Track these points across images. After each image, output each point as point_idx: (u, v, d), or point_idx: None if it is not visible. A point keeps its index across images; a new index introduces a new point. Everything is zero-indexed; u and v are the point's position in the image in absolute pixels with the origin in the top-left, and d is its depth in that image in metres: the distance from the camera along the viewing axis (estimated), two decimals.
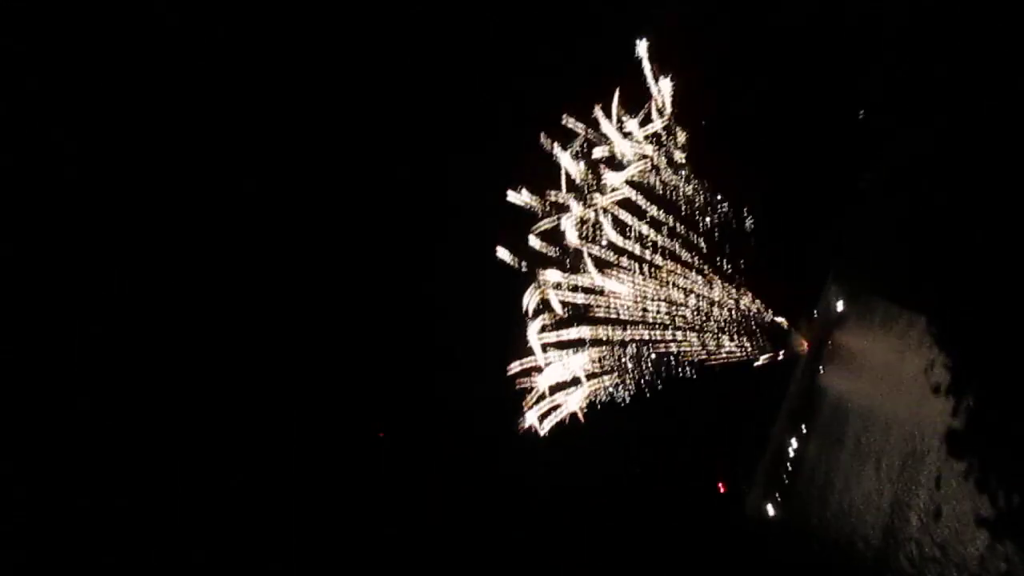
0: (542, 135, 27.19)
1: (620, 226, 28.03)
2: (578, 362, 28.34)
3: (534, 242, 27.62)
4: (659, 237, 28.34)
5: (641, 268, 28.48)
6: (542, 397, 27.97)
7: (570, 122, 27.35)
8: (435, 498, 30.34)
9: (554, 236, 27.82)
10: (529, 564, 29.18)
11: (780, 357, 29.10)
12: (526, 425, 27.89)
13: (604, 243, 28.03)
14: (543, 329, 27.86)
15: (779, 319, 28.99)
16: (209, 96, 28.70)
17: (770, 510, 27.85)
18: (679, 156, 28.15)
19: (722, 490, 29.86)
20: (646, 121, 27.65)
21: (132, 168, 28.09)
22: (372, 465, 30.23)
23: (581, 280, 28.00)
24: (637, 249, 28.33)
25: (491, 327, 28.84)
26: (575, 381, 28.38)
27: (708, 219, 28.38)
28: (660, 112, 27.73)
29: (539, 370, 27.91)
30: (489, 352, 28.13)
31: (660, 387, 28.97)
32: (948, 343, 18.52)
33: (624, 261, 28.28)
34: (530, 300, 27.76)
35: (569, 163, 27.51)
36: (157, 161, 28.18)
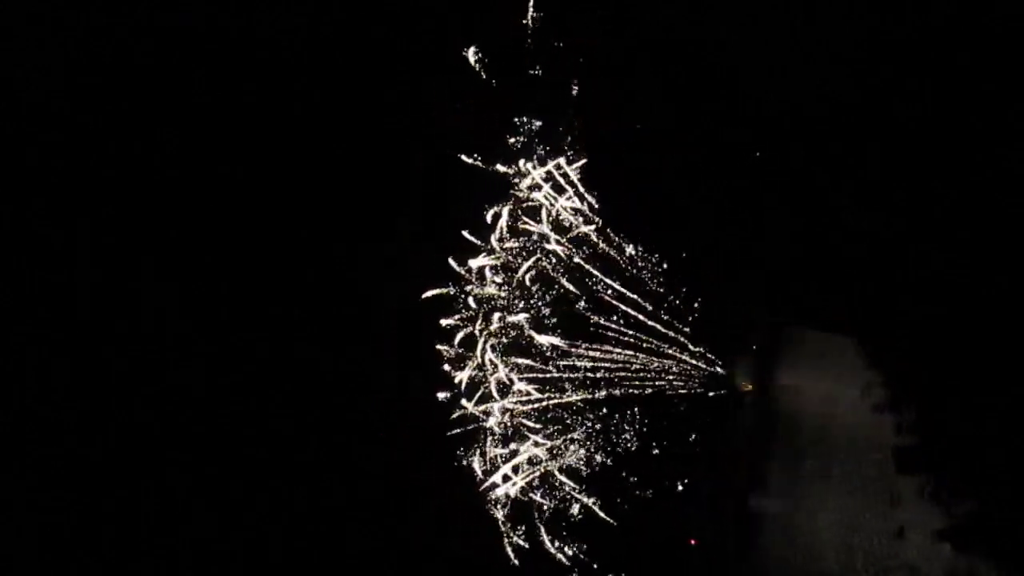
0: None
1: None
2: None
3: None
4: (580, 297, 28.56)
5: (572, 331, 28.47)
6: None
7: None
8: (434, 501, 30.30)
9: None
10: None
11: (725, 401, 29.17)
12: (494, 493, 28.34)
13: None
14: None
15: (717, 363, 29.07)
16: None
17: (740, 556, 27.97)
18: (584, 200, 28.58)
19: (693, 543, 29.89)
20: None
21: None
22: (372, 465, 30.12)
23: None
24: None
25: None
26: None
27: (623, 273, 28.64)
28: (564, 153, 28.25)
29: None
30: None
31: (611, 453, 28.91)
32: (881, 362, 18.89)
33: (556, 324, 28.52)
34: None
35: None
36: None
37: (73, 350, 27.36)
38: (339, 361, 29.84)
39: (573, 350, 28.37)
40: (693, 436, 29.16)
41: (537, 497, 28.54)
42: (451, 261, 28.77)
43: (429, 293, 28.56)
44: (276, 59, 29.03)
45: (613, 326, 28.50)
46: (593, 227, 28.36)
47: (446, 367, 28.71)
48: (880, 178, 22.59)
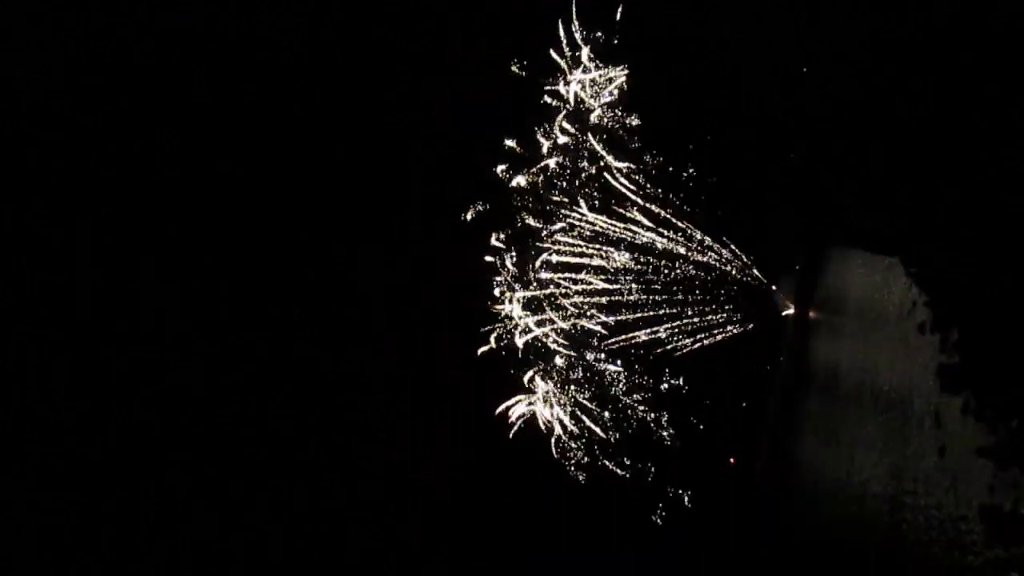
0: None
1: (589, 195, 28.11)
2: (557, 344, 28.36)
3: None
4: (624, 207, 28.19)
5: (613, 240, 28.33)
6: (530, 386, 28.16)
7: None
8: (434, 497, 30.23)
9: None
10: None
11: (768, 319, 29.02)
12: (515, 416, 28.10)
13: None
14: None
15: (761, 279, 28.86)
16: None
17: (781, 475, 27.74)
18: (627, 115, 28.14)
19: (733, 463, 29.79)
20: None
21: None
22: (372, 465, 30.08)
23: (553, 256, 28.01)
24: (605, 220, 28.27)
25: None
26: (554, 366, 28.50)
27: (671, 186, 28.25)
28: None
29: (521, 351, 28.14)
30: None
31: (650, 366, 28.91)
32: (926, 281, 18.72)
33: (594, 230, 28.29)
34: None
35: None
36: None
37: (73, 350, 27.35)
38: (339, 361, 29.81)
39: (625, 265, 28.11)
40: (737, 354, 29.23)
41: (586, 410, 28.36)
42: (499, 171, 28.12)
43: (471, 214, 28.14)
44: (276, 59, 28.99)
45: (664, 238, 28.26)
46: (640, 143, 28.04)
47: (497, 279, 28.30)
48: (883, 177, 22.41)
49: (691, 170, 28.22)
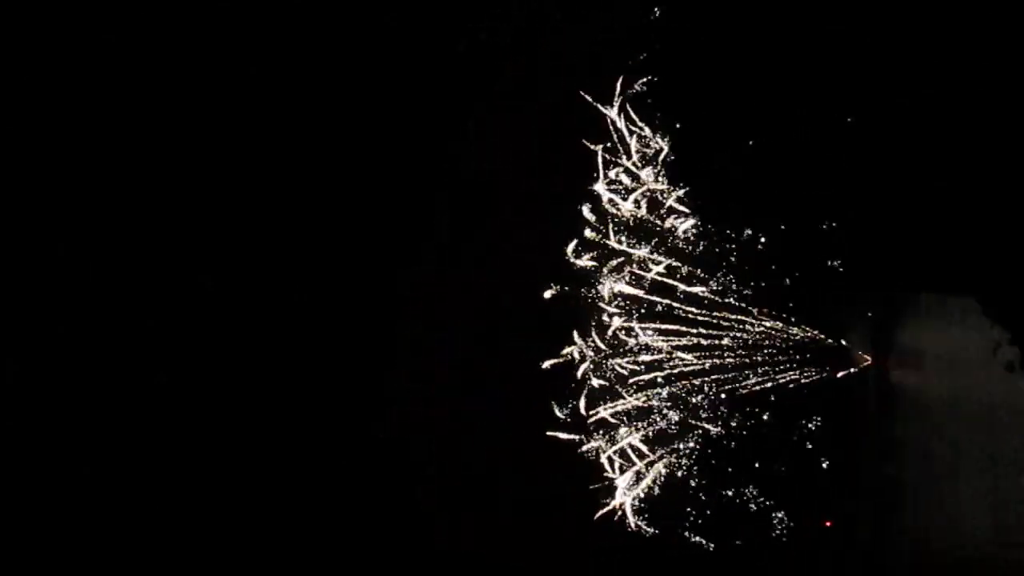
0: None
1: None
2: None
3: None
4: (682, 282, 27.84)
5: (673, 317, 27.48)
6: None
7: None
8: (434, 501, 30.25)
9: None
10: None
11: (846, 376, 27.86)
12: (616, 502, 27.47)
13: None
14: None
15: (833, 337, 27.81)
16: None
17: (879, 533, 26.96)
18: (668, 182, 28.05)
19: (829, 525, 28.78)
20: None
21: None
22: (371, 467, 30.08)
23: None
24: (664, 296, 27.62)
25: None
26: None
27: (730, 253, 27.96)
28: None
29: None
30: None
31: (729, 438, 27.70)
32: (1008, 319, 18.50)
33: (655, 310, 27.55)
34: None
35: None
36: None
37: (72, 350, 27.42)
38: (339, 361, 29.75)
39: (690, 329, 27.64)
40: (816, 415, 27.68)
41: (658, 476, 27.57)
42: (569, 255, 27.77)
43: (548, 293, 27.75)
44: (279, 62, 29.08)
45: (731, 302, 27.74)
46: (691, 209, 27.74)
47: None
48: (952, 217, 21.89)
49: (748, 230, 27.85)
